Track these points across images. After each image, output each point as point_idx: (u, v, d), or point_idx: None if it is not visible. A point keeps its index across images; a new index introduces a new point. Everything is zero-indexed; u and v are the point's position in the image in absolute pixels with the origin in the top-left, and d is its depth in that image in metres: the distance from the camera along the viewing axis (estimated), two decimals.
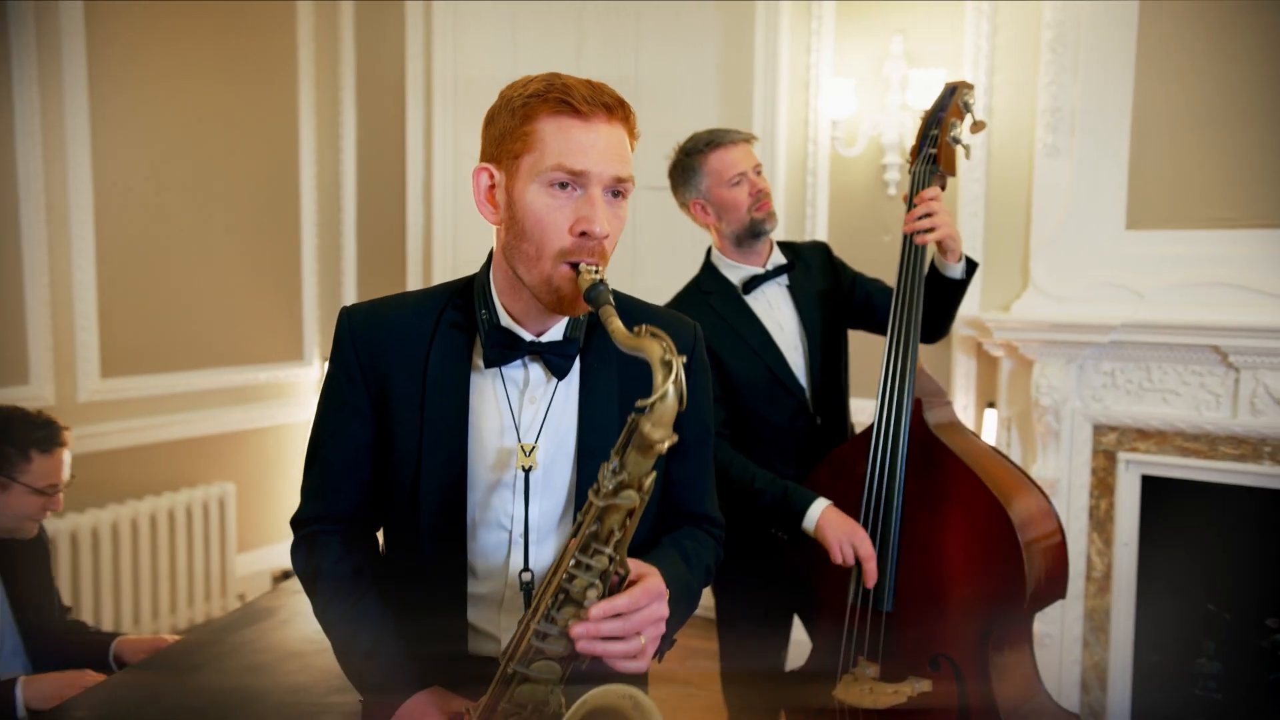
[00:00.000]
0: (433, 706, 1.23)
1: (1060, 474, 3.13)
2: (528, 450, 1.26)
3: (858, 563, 2.02)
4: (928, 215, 2.08)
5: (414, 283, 4.41)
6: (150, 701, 1.63)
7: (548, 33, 4.35)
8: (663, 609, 1.14)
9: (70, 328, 3.47)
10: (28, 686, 1.90)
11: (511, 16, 4.39)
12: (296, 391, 4.41)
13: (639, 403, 1.03)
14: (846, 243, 3.58)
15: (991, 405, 3.32)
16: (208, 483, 3.89)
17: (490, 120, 1.25)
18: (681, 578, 1.27)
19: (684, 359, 1.05)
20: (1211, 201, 2.99)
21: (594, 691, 1.09)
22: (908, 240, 2.13)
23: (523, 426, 1.28)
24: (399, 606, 1.33)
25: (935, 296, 2.18)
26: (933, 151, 2.17)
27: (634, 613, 1.10)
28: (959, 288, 2.20)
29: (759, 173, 2.21)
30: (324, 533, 1.35)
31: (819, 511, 2.05)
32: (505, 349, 1.26)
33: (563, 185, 1.18)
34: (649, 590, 1.12)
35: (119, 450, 3.62)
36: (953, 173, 2.19)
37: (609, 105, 1.19)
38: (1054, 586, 2.04)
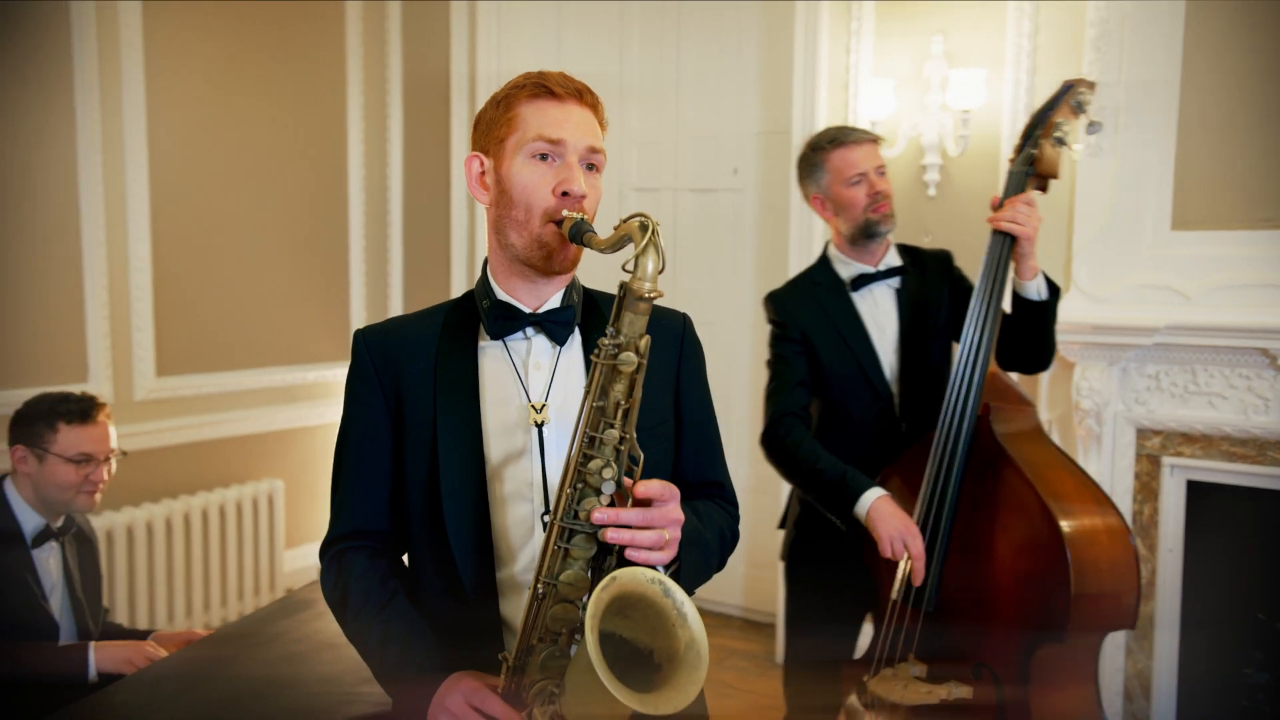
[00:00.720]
0: (469, 675, 1.24)
1: (1102, 479, 3.07)
2: (539, 408, 1.33)
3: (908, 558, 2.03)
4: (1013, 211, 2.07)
5: (459, 282, 4.48)
6: (194, 686, 1.70)
7: (590, 33, 4.40)
8: (677, 510, 1.21)
9: (127, 328, 3.59)
10: (99, 651, 2.03)
11: (555, 17, 4.44)
12: (344, 391, 4.49)
13: (624, 264, 1.16)
14: None
15: None
16: (257, 479, 4.00)
17: (478, 120, 1.39)
18: (692, 524, 1.30)
19: (659, 224, 1.17)
20: (1259, 201, 2.92)
21: (621, 570, 1.11)
22: (991, 244, 2.11)
23: (532, 391, 1.35)
24: (430, 611, 1.35)
25: (1020, 322, 2.16)
26: (1033, 152, 2.13)
27: (655, 507, 1.17)
28: (1040, 312, 2.15)
29: (881, 174, 2.25)
30: (350, 550, 1.40)
31: (872, 500, 2.06)
32: (506, 320, 1.36)
33: (543, 157, 1.31)
34: (667, 485, 1.20)
35: (172, 447, 3.74)
36: (1054, 175, 2.14)
37: (579, 90, 1.34)
38: (1113, 613, 1.96)
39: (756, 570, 4.21)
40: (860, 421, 2.29)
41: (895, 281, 2.32)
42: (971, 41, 3.35)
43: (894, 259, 2.34)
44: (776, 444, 2.24)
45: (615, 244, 1.19)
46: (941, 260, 2.40)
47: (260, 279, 4.08)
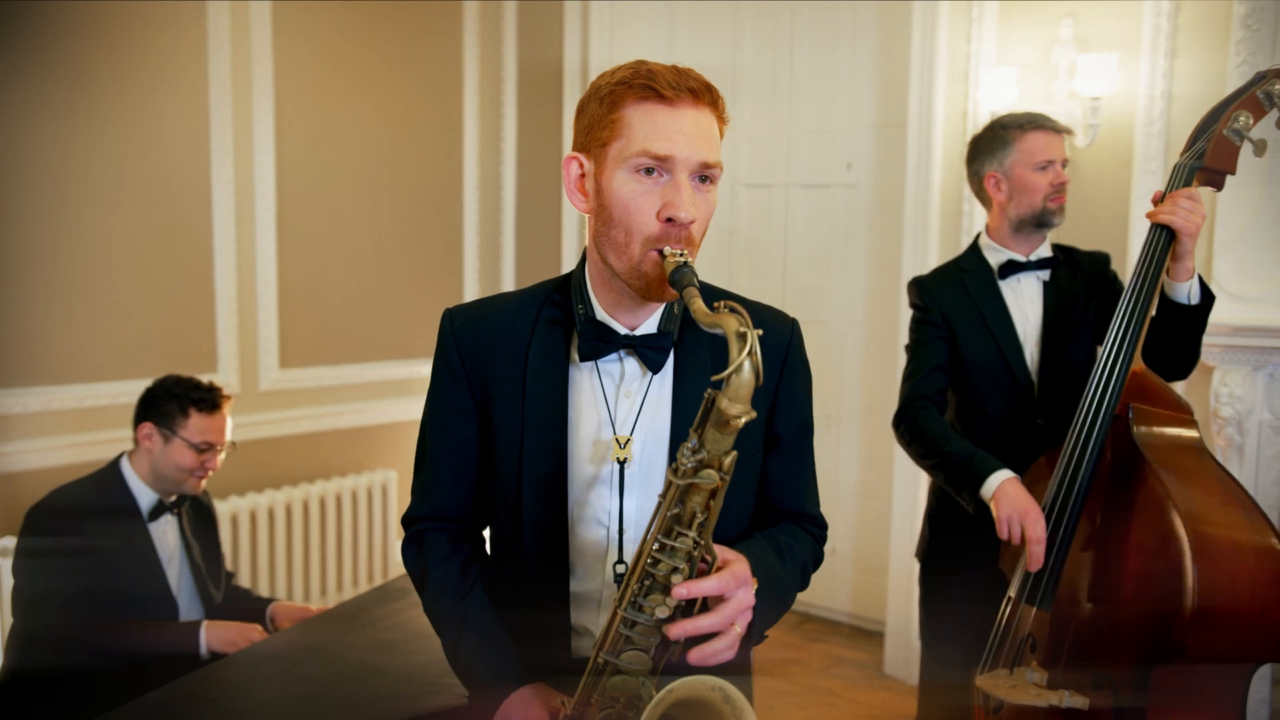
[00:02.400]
0: (537, 700, 1.24)
1: None
2: (623, 443, 1.27)
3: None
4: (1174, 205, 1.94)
5: None
6: (290, 668, 1.75)
7: (703, 31, 4.36)
8: (749, 597, 1.13)
9: (254, 322, 3.75)
10: (210, 630, 2.13)
11: (667, 15, 4.42)
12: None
13: (714, 377, 1.03)
14: None
15: None
16: (371, 470, 4.12)
17: (580, 110, 1.26)
18: (772, 570, 1.25)
19: (760, 333, 1.04)
20: None
21: (681, 681, 1.07)
22: (1147, 237, 1.99)
23: (618, 420, 1.29)
24: (504, 605, 1.35)
25: (1164, 324, 2.03)
26: (1203, 146, 1.98)
27: (726, 604, 1.10)
28: (1189, 317, 2.02)
29: (1065, 166, 2.21)
30: (432, 531, 1.39)
31: (999, 481, 1.99)
32: (600, 342, 1.27)
33: (649, 171, 1.18)
34: (737, 576, 1.12)
35: (293, 436, 3.89)
36: (1228, 170, 1.97)
37: (694, 90, 1.18)
38: (1251, 642, 1.79)
39: (865, 577, 4.09)
40: (998, 416, 2.24)
41: (1044, 274, 2.25)
42: (1104, 24, 3.15)
43: (1045, 251, 2.28)
44: (908, 425, 2.21)
45: (709, 327, 1.07)
46: (1098, 261, 2.31)
47: (378, 275, 4.20)
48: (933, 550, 2.38)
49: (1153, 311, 2.00)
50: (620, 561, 1.28)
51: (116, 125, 3.28)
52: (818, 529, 1.42)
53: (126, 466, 2.33)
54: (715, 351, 1.30)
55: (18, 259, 3.08)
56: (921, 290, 2.31)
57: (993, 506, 1.98)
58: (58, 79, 3.13)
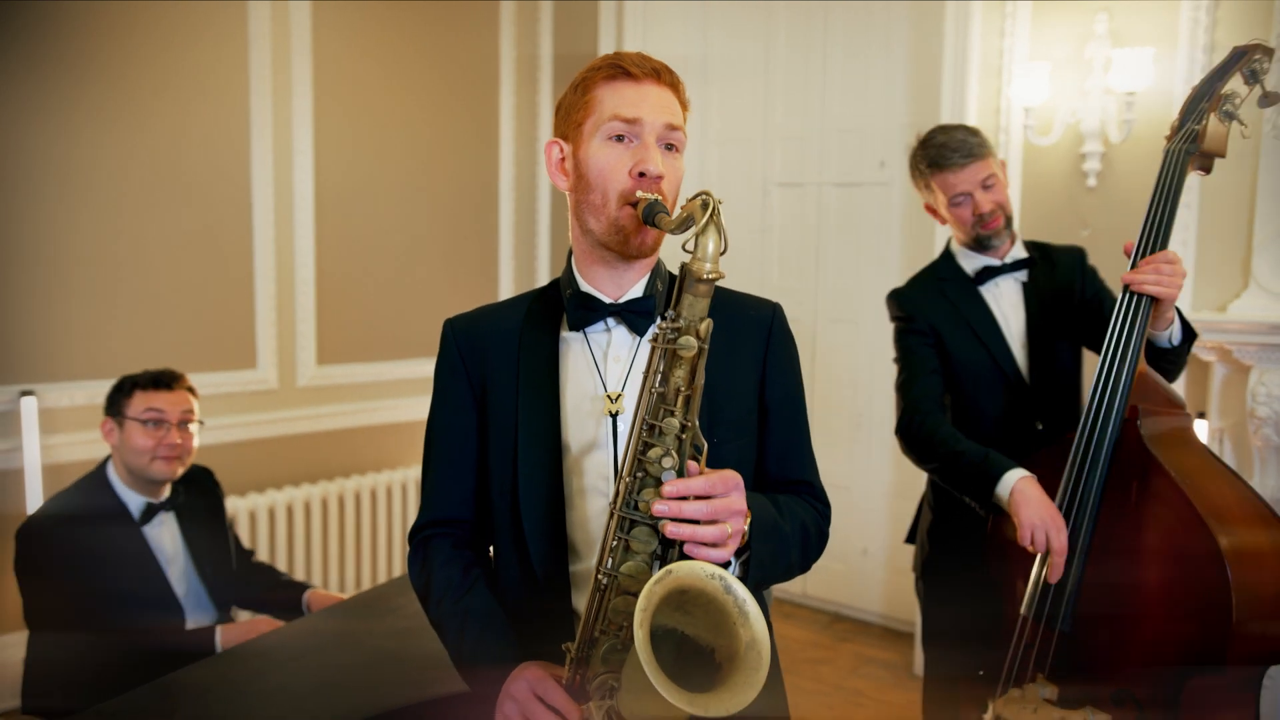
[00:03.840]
0: (535, 665, 1.25)
1: None
2: (614, 398, 1.32)
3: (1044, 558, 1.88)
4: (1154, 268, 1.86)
5: None
6: (307, 654, 1.80)
7: (737, 33, 4.36)
8: (741, 501, 1.16)
9: (292, 319, 3.84)
10: (225, 633, 2.15)
11: (701, 13, 4.43)
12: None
13: (683, 245, 1.13)
14: (1041, 237, 3.35)
15: (1201, 415, 3.00)
16: (407, 465, 4.19)
17: (558, 106, 1.38)
18: (767, 512, 1.26)
19: (721, 201, 1.12)
20: None
21: (679, 564, 1.08)
22: (1121, 300, 1.91)
23: (609, 382, 1.34)
24: (506, 601, 1.37)
25: (1150, 359, 1.97)
26: (1195, 128, 1.90)
27: (713, 497, 1.13)
28: (1169, 356, 1.98)
29: (989, 186, 2.15)
30: (437, 536, 1.42)
31: (1015, 480, 1.92)
32: (587, 310, 1.34)
33: (619, 138, 1.29)
34: (725, 477, 1.15)
35: (330, 432, 3.96)
36: (1219, 154, 1.91)
37: (657, 69, 1.31)
38: (1278, 646, 1.72)
39: (897, 577, 4.06)
40: (994, 417, 2.20)
41: (1022, 275, 2.22)
42: (1139, 18, 3.10)
43: (1020, 252, 2.25)
44: (913, 431, 2.14)
45: (682, 224, 1.15)
46: (1072, 256, 2.27)
47: (414, 273, 4.26)
48: (934, 555, 2.34)
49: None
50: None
51: (157, 125, 3.38)
52: (819, 501, 1.43)
53: (111, 472, 2.30)
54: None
55: (63, 258, 3.18)
56: (902, 301, 2.27)
57: (1012, 509, 1.90)
58: (99, 80, 3.22)
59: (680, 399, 1.14)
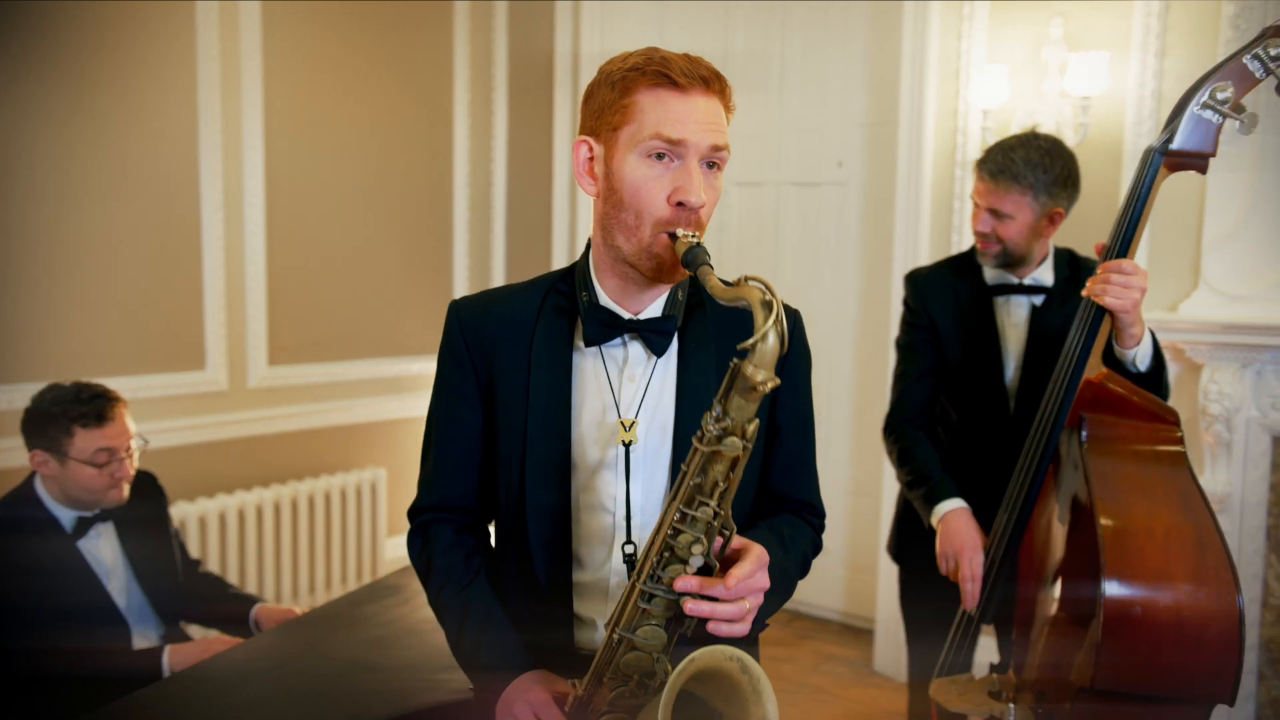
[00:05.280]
0: (539, 684, 1.24)
1: (1232, 489, 2.86)
2: (627, 425, 1.28)
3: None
4: (1108, 279, 1.79)
5: None
6: (279, 666, 1.73)
7: (694, 27, 4.36)
8: (764, 579, 1.15)
9: (242, 318, 3.73)
10: (173, 654, 2.04)
11: (659, 11, 4.42)
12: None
13: (740, 345, 1.04)
14: None
15: None
16: (361, 468, 4.10)
17: (589, 95, 1.27)
18: (777, 561, 1.24)
19: (784, 302, 1.05)
20: None
21: (701, 651, 1.07)
22: (1080, 309, 1.88)
23: (623, 403, 1.29)
24: (508, 596, 1.35)
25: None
26: (1176, 125, 1.75)
27: (739, 580, 1.10)
28: (1142, 379, 1.89)
29: (999, 217, 2.05)
30: (437, 522, 1.40)
31: (946, 510, 2.02)
32: (605, 327, 1.28)
33: (660, 156, 1.20)
34: (758, 556, 1.14)
35: (282, 434, 3.86)
36: (1208, 152, 1.74)
37: (705, 78, 1.20)
38: (1171, 685, 1.58)
39: (856, 574, 4.09)
40: (979, 422, 2.19)
41: (1038, 298, 2.14)
42: (1094, 23, 3.16)
43: (1043, 276, 2.15)
44: (888, 435, 2.25)
45: (730, 301, 1.08)
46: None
47: (367, 272, 4.18)
48: (904, 552, 2.37)
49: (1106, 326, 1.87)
50: (629, 542, 1.28)
51: (104, 122, 3.26)
52: (817, 518, 1.42)
53: (40, 487, 2.16)
54: (720, 335, 1.32)
55: (5, 256, 3.05)
56: (914, 288, 2.26)
57: (938, 536, 2.01)
58: (45, 76, 3.10)
59: (716, 493, 1.10)
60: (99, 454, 2.10)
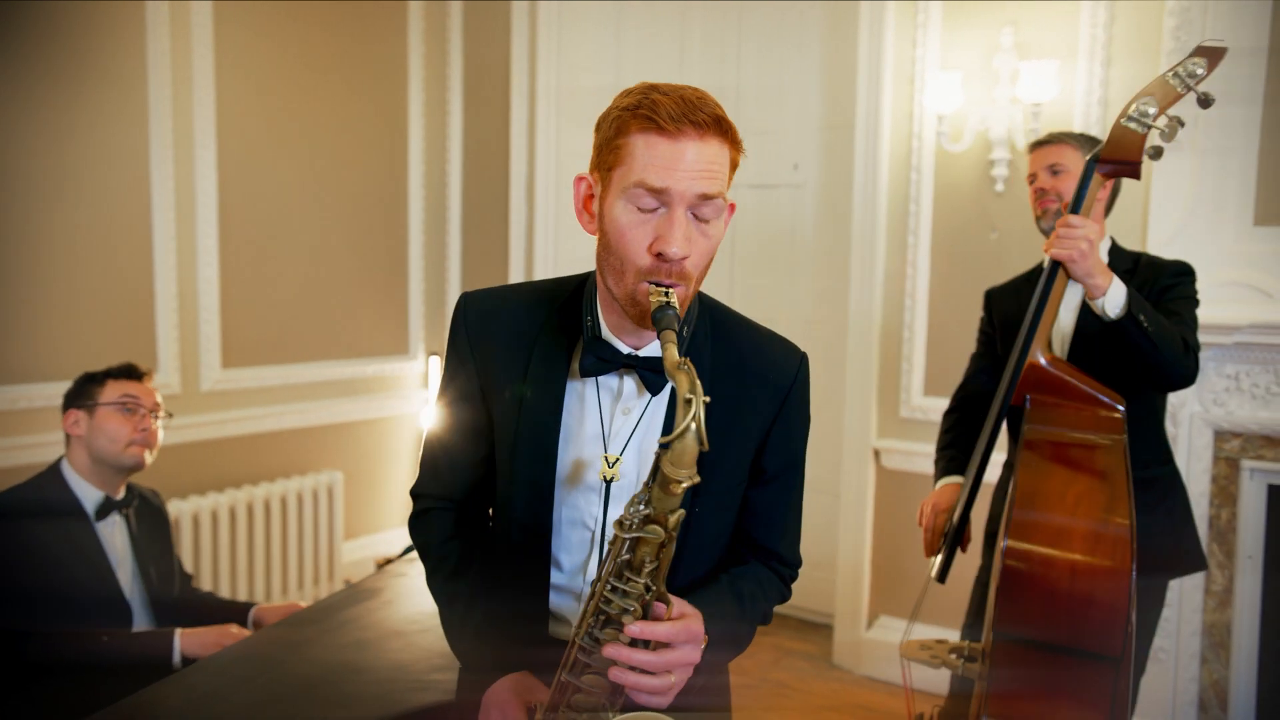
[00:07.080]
0: (514, 695, 1.27)
1: None
2: (611, 462, 1.28)
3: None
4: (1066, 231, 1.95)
5: (516, 278, 4.49)
6: (266, 669, 1.71)
7: (651, 34, 4.38)
8: (695, 654, 1.15)
9: (195, 321, 3.66)
10: (185, 638, 2.05)
11: (615, 15, 4.43)
12: (403, 385, 4.55)
13: (661, 440, 1.04)
14: (952, 240, 3.50)
15: None
16: (317, 471, 4.05)
17: (597, 128, 1.24)
18: (729, 625, 1.27)
19: (707, 400, 1.04)
20: None
21: (629, 715, 1.12)
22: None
23: (612, 436, 1.29)
24: (492, 583, 1.38)
25: (1109, 338, 2.02)
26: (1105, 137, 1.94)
27: (667, 649, 1.12)
28: (1120, 330, 1.97)
29: (1055, 172, 2.25)
30: (438, 509, 1.44)
31: (940, 485, 2.34)
32: (602, 360, 1.27)
33: (645, 202, 1.16)
34: (688, 630, 1.14)
35: (236, 438, 3.80)
36: (1134, 159, 1.87)
37: (698, 123, 1.13)
38: (1062, 634, 1.67)
39: (814, 570, 4.14)
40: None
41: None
42: (1043, 33, 3.27)
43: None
44: (944, 424, 2.50)
45: (668, 373, 1.06)
46: (1160, 272, 2.23)
47: (322, 274, 4.13)
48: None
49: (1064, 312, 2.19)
50: (599, 578, 1.30)
51: (54, 123, 3.17)
52: (787, 569, 1.41)
53: (66, 467, 2.24)
54: (715, 380, 1.30)
55: None
56: (988, 300, 2.50)
57: None
58: None
59: (645, 571, 1.11)
60: (126, 398, 2.25)
